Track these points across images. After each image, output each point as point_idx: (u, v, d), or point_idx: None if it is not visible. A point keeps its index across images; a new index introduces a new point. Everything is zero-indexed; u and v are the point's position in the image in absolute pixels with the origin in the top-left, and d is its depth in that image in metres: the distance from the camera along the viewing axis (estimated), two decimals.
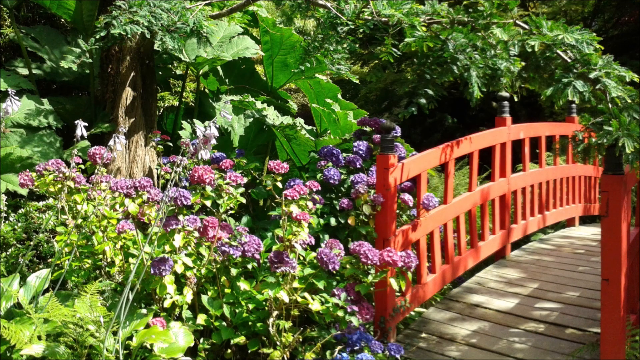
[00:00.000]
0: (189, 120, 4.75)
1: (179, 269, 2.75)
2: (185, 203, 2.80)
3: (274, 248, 3.03)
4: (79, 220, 2.93)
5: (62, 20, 5.21)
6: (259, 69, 6.69)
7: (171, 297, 2.77)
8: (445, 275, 3.82)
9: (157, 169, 4.00)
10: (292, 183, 3.43)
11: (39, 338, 2.31)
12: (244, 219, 3.61)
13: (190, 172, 2.94)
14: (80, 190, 3.02)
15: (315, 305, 2.87)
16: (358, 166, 3.66)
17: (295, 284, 2.89)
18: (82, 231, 2.93)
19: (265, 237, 3.31)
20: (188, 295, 2.81)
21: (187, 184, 3.06)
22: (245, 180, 3.06)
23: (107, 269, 2.96)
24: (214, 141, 2.54)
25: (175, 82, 6.37)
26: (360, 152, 3.74)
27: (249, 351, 2.86)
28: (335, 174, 3.52)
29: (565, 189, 5.47)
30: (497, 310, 3.73)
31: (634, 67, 5.54)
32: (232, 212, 3.21)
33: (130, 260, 2.96)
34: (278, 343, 2.78)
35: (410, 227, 3.45)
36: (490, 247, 4.45)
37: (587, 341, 3.18)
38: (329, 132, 4.78)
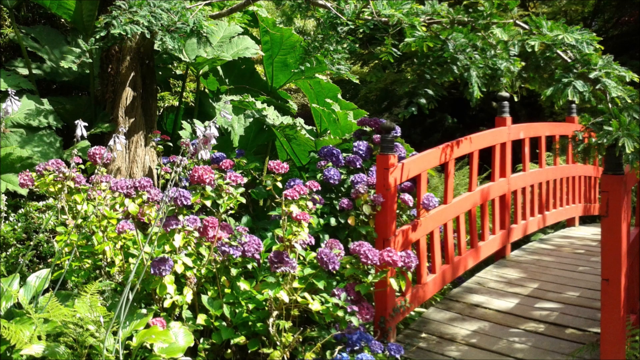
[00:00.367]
0: (189, 120, 4.75)
1: (179, 269, 2.75)
2: (185, 203, 2.80)
3: (274, 248, 3.03)
4: (79, 220, 2.93)
5: (62, 20, 5.21)
6: (259, 69, 6.69)
7: (171, 297, 2.77)
8: (445, 275, 3.82)
9: (157, 169, 4.00)
10: (292, 183, 3.43)
11: (39, 338, 2.31)
12: (244, 219, 3.61)
13: (190, 172, 2.94)
14: (80, 190, 3.02)
15: (315, 305, 2.87)
16: (358, 166, 3.66)
17: (295, 284, 2.89)
18: (82, 231, 2.93)
19: (265, 237, 3.31)
20: (188, 295, 2.81)
21: (187, 184, 3.05)
22: (245, 180, 3.06)
23: (107, 269, 2.96)
24: (214, 141, 2.54)
25: (175, 82, 6.37)
26: (360, 152, 3.74)
27: (249, 351, 2.86)
28: (335, 174, 3.52)
29: (565, 189, 5.47)
30: (497, 310, 3.73)
31: (634, 67, 5.55)
32: (232, 212, 3.21)
33: (130, 260, 2.96)
34: (278, 343, 2.78)
35: (410, 227, 3.45)
36: (490, 247, 4.45)
37: (587, 341, 3.18)
38: (329, 132, 4.78)
